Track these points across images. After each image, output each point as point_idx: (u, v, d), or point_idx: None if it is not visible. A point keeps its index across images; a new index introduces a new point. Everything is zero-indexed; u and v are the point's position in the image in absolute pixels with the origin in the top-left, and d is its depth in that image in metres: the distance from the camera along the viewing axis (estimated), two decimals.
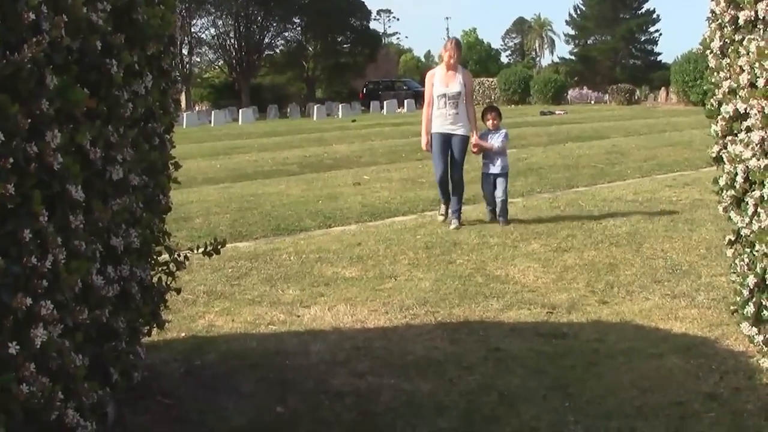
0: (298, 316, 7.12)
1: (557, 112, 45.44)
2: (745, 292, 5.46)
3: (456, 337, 6.38)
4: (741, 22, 5.09)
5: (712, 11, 5.57)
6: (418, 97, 57.68)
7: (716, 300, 7.19)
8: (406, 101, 54.46)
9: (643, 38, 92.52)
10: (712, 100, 5.71)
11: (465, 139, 11.22)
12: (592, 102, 62.58)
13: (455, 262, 8.85)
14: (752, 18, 4.98)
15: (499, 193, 11.23)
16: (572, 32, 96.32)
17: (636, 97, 58.89)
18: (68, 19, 3.30)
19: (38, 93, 3.12)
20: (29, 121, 3.04)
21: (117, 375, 4.33)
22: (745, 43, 5.05)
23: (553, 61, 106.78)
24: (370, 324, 6.86)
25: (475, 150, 11.42)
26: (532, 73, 72.24)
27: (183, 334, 6.68)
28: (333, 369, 5.80)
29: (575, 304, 7.22)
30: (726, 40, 5.43)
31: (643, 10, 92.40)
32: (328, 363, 5.93)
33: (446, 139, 11.18)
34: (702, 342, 6.16)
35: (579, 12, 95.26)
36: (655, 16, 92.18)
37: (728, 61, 5.37)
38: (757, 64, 4.78)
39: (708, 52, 5.69)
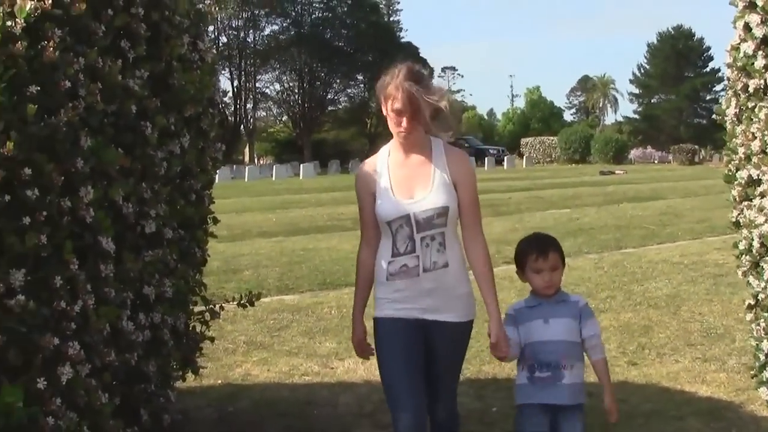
0: (332, 368, 7.35)
1: (617, 172, 45.41)
2: (762, 357, 5.56)
3: (482, 393, 6.56)
4: (751, 90, 5.27)
5: (728, 78, 5.76)
6: (479, 156, 57.87)
7: (747, 365, 7.23)
8: None
9: (708, 97, 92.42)
10: (729, 165, 5.87)
11: (461, 331, 4.43)
12: (656, 161, 62.31)
13: None
14: (761, 86, 5.16)
15: None
16: (636, 91, 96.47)
17: (699, 157, 58.61)
18: (104, 86, 3.64)
19: (73, 153, 3.45)
20: (63, 178, 3.35)
21: (146, 416, 4.60)
22: (756, 110, 5.23)
23: (616, 119, 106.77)
24: None
25: (502, 353, 4.33)
26: (594, 131, 72.19)
27: (219, 382, 6.95)
28: (358, 420, 6.01)
29: None
30: (741, 106, 5.60)
31: (707, 69, 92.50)
32: (354, 415, 6.14)
33: (419, 331, 4.32)
34: (726, 406, 6.25)
35: (643, 71, 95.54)
36: (720, 74, 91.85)
37: (743, 127, 5.54)
38: (766, 131, 4.96)
39: (726, 117, 5.86)
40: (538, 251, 4.40)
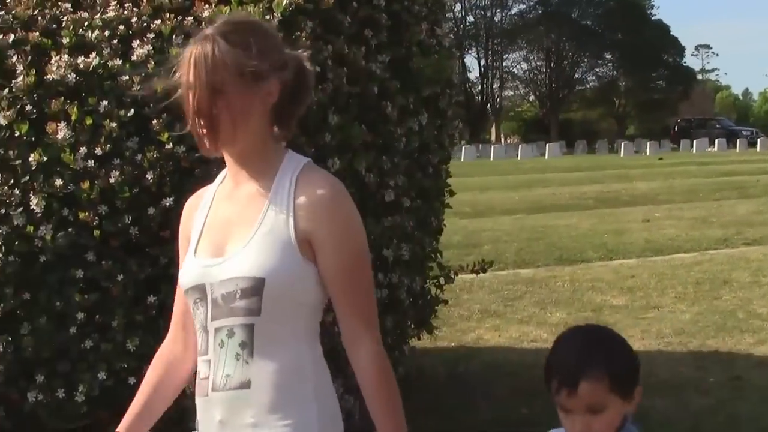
0: None
1: None
2: None
3: (701, 364, 6.75)
4: None
5: None
6: (731, 137, 55.89)
7: None
8: (717, 140, 52.89)
9: None
10: None
11: None
12: None
13: (721, 298, 9.10)
14: None
15: None
16: None
17: None
18: (349, 70, 4.18)
19: (321, 128, 4.01)
20: (313, 150, 3.92)
21: None
22: None
23: None
24: None
25: None
26: None
27: (453, 344, 7.47)
28: None
29: None
30: None
31: None
32: None
33: None
34: None
35: None
36: None
37: None
38: None
39: None
40: (561, 380, 2.22)
